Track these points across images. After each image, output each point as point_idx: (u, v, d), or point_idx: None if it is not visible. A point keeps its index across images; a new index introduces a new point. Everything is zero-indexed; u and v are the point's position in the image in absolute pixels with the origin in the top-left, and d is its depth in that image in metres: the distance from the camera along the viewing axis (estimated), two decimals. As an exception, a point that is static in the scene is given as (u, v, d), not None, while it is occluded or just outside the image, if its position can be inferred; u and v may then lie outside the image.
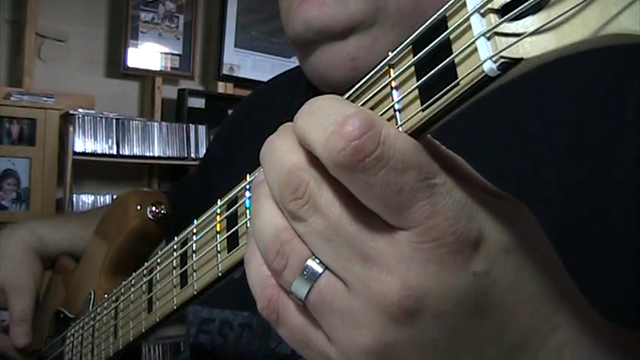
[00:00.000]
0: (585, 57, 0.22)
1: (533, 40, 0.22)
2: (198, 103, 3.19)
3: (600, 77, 0.48)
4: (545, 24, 0.21)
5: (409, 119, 0.27)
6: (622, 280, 0.44)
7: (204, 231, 0.44)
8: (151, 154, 2.92)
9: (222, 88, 3.32)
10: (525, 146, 0.50)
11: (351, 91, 0.30)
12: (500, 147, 0.51)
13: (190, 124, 3.05)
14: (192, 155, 3.01)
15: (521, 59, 0.22)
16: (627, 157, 0.45)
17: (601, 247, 0.45)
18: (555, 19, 0.21)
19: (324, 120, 0.26)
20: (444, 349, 0.28)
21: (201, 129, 3.06)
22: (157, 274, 0.52)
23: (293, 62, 3.31)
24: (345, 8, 0.53)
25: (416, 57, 0.26)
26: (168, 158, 2.98)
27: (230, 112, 2.92)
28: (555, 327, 0.30)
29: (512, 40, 0.22)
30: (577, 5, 0.21)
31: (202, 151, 3.01)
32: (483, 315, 0.28)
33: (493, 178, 0.30)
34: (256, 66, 3.37)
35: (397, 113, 0.27)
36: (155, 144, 2.93)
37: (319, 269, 0.28)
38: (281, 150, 0.29)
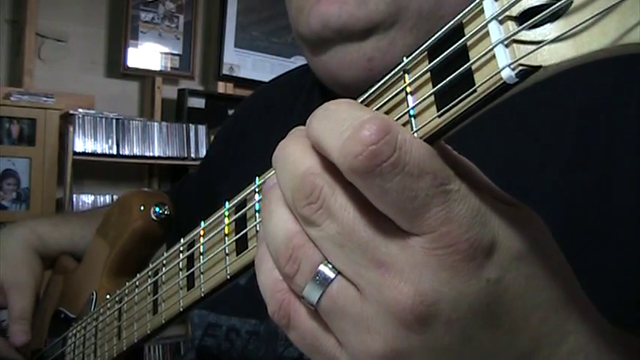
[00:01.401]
0: None
1: (552, 47, 0.22)
2: (198, 103, 3.18)
3: (602, 80, 0.48)
4: (565, 32, 0.21)
5: (425, 125, 0.27)
6: (626, 283, 0.44)
7: (212, 233, 0.43)
8: (151, 154, 2.92)
9: (222, 88, 3.31)
10: (528, 150, 0.50)
11: (365, 95, 0.30)
12: (503, 151, 0.50)
13: (190, 124, 3.04)
14: (192, 155, 3.00)
15: (539, 67, 0.22)
16: (629, 160, 0.45)
17: (604, 249, 0.45)
18: (574, 27, 0.21)
19: (340, 124, 0.26)
20: (455, 355, 0.28)
21: (201, 129, 3.05)
22: (163, 276, 0.51)
23: (293, 62, 3.32)
24: (366, 8, 0.52)
25: (432, 63, 0.26)
26: (169, 158, 2.97)
27: (230, 112, 2.93)
28: (566, 334, 0.30)
29: (531, 47, 0.22)
30: (596, 15, 0.21)
31: (202, 151, 3.00)
32: (495, 322, 0.28)
33: (497, 182, 0.30)
34: (256, 66, 3.36)
35: (412, 119, 0.27)
36: (155, 144, 2.92)
37: (331, 274, 0.28)
38: (294, 154, 0.29)
